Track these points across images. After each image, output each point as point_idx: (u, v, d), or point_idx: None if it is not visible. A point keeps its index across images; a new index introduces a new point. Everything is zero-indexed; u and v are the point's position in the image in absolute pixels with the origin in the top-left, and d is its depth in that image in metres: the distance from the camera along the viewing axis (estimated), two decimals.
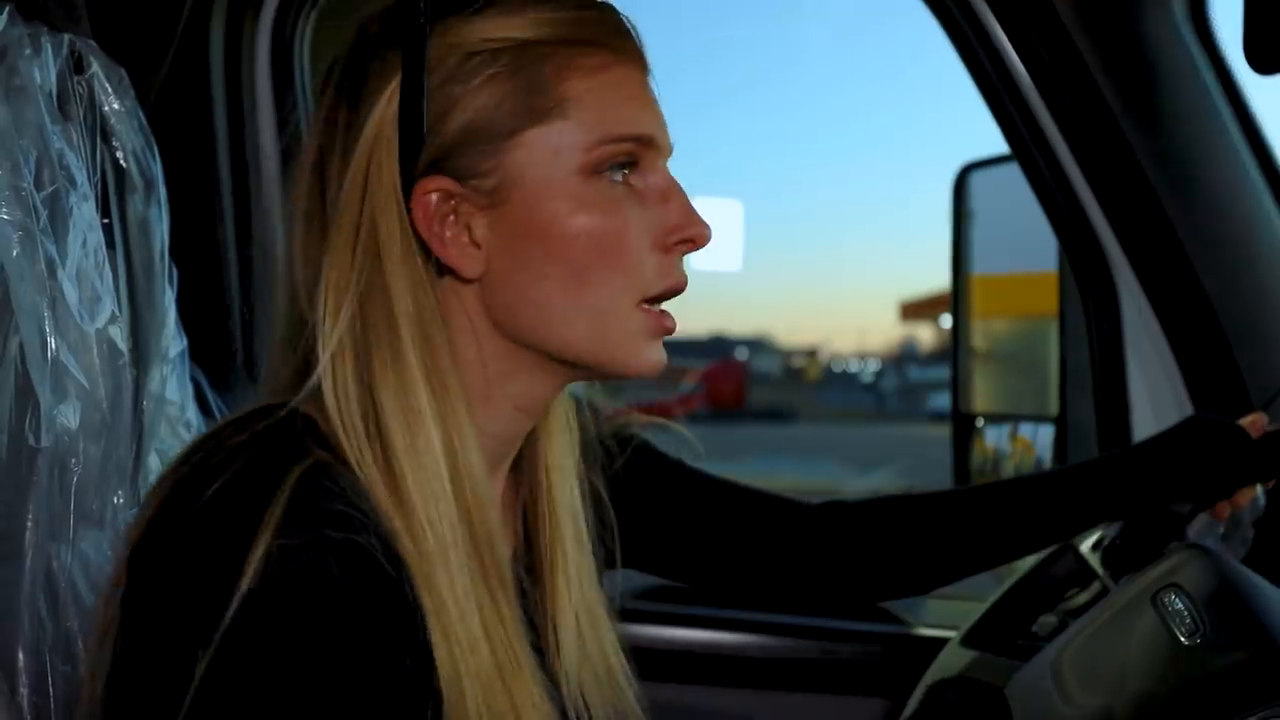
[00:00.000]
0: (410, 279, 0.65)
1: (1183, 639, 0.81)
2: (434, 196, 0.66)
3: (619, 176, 0.68)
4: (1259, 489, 1.01)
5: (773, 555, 0.96)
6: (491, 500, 0.67)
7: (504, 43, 0.65)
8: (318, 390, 0.65)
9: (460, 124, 0.65)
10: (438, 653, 0.62)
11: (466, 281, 0.67)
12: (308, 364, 0.67)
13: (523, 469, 0.78)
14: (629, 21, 0.69)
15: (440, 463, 0.64)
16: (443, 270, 0.67)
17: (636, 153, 0.68)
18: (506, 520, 0.77)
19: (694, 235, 0.69)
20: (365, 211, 0.65)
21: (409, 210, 0.65)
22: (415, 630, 0.61)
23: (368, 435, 0.64)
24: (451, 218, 0.66)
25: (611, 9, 0.69)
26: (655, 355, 0.69)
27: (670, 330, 0.69)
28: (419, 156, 0.65)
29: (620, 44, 0.68)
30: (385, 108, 0.65)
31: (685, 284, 0.70)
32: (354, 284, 0.65)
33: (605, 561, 0.83)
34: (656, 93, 0.71)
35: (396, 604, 0.61)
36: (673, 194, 0.69)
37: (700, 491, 0.94)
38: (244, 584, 0.56)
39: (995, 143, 1.33)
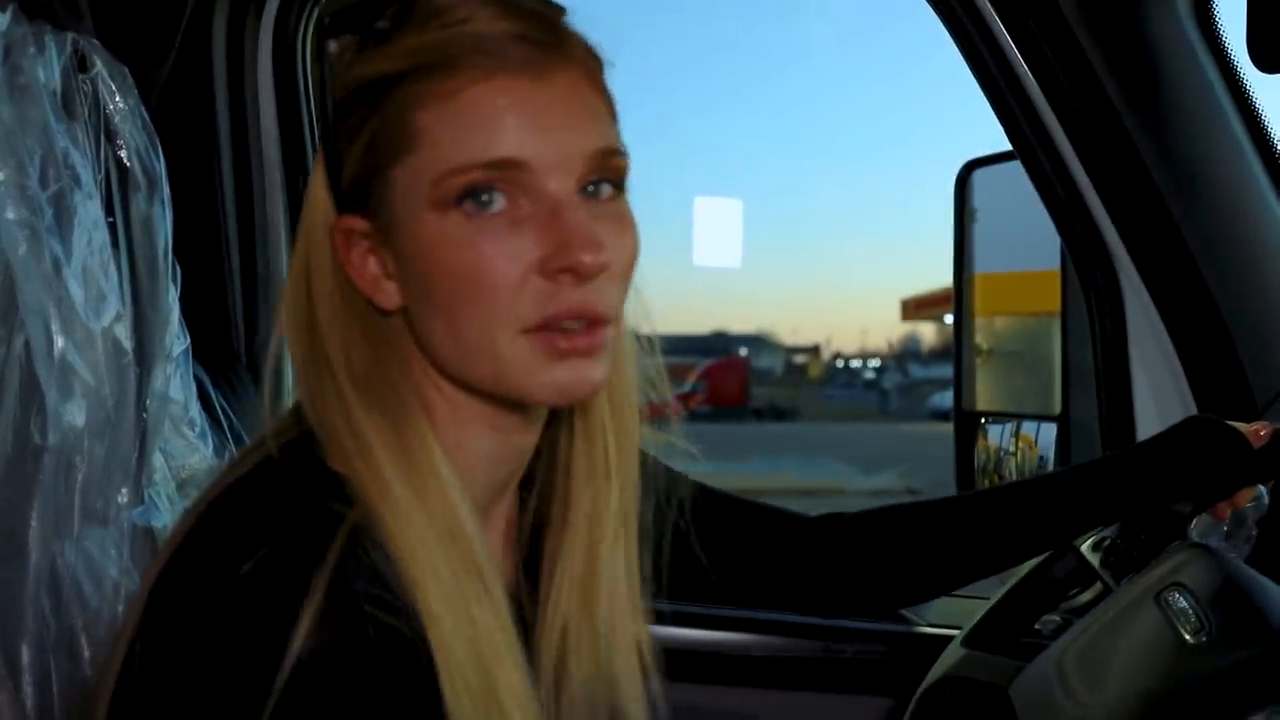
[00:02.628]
0: (350, 311, 0.68)
1: (1187, 637, 0.81)
2: (343, 235, 0.68)
3: (481, 206, 0.64)
4: (1261, 489, 1.00)
5: (772, 567, 0.96)
6: (473, 520, 0.68)
7: (372, 78, 0.65)
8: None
9: (350, 163, 0.67)
10: (432, 637, 0.63)
11: (398, 315, 0.69)
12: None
13: (537, 480, 0.78)
14: (524, 30, 0.64)
15: (412, 490, 0.66)
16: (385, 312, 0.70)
17: (493, 179, 0.63)
18: (513, 528, 0.78)
19: (570, 264, 0.63)
20: (310, 247, 0.69)
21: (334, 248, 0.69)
22: (435, 690, 0.63)
23: (352, 442, 0.66)
24: (370, 254, 0.68)
25: (496, 19, 0.64)
26: (556, 377, 0.65)
27: (563, 351, 0.65)
28: (338, 196, 0.68)
29: (486, 61, 0.64)
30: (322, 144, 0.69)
31: (581, 309, 0.64)
32: (306, 317, 0.68)
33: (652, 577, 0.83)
34: (592, 99, 0.67)
35: (420, 670, 0.63)
36: (555, 218, 0.64)
37: (698, 503, 0.94)
38: (292, 653, 0.57)
39: (997, 140, 1.33)
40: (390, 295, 0.68)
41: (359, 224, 0.67)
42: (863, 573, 0.97)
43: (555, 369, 0.65)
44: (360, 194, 0.67)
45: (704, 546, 0.88)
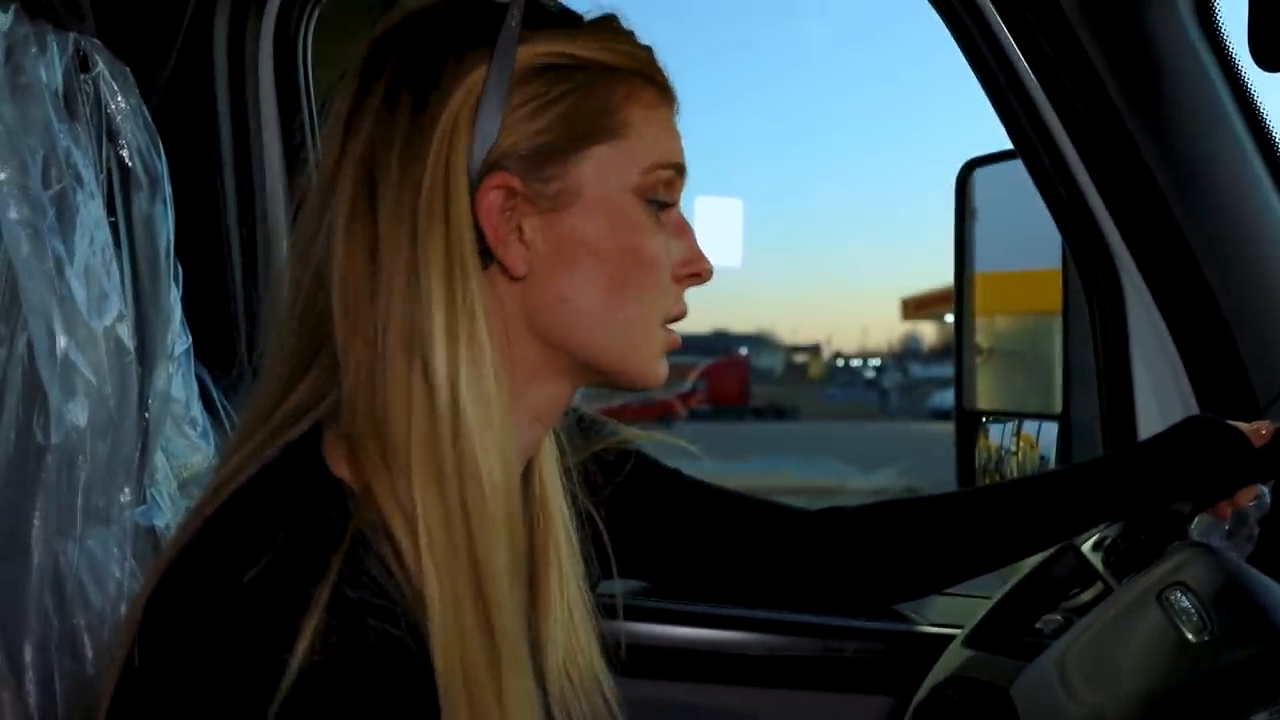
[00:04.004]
0: (466, 275, 0.66)
1: (1189, 636, 0.81)
2: (499, 193, 0.68)
3: (665, 206, 0.73)
4: (1263, 488, 1.00)
5: (771, 562, 0.96)
6: (519, 493, 0.69)
7: (579, 61, 0.70)
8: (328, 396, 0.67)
9: (534, 129, 0.68)
10: (435, 644, 0.63)
11: (510, 280, 0.69)
12: (313, 362, 0.68)
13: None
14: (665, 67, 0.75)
15: (500, 442, 0.66)
16: (487, 266, 0.69)
17: (675, 182, 0.73)
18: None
19: (702, 270, 0.75)
20: (440, 202, 0.66)
21: (474, 204, 0.67)
22: (437, 701, 0.63)
23: (429, 419, 0.64)
24: (509, 214, 0.68)
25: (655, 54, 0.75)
26: (665, 370, 0.74)
27: (678, 344, 0.75)
28: (489, 153, 0.67)
29: (666, 84, 0.74)
30: (460, 103, 0.67)
31: (686, 313, 0.75)
32: (438, 276, 0.65)
33: (601, 571, 0.84)
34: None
35: (421, 684, 0.62)
36: (686, 231, 0.75)
37: (698, 500, 0.94)
38: (294, 664, 0.57)
39: (997, 140, 1.33)
40: (522, 260, 0.69)
41: (517, 184, 0.68)
42: (861, 567, 0.97)
43: (665, 363, 0.75)
44: (532, 159, 0.68)
45: (637, 516, 0.90)
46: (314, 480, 0.65)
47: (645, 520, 0.92)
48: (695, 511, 0.94)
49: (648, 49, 0.74)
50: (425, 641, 0.62)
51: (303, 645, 0.57)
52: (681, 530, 0.94)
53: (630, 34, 0.73)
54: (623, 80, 0.71)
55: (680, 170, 0.73)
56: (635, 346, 0.72)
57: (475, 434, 0.64)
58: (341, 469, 0.66)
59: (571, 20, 0.72)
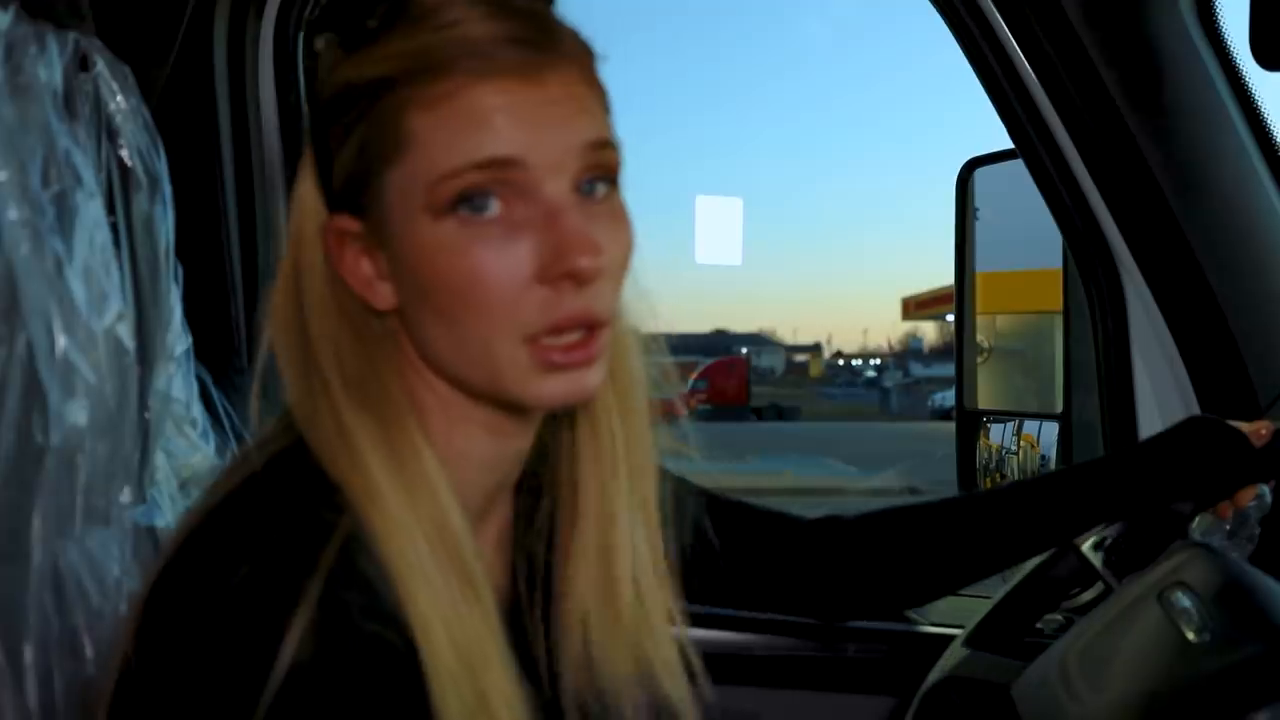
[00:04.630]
0: (343, 313, 0.67)
1: (1190, 636, 0.81)
2: (336, 237, 0.67)
3: (476, 211, 0.63)
4: (1263, 488, 1.00)
5: (772, 570, 0.95)
6: (463, 524, 0.67)
7: (362, 82, 0.64)
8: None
9: (342, 164, 0.66)
10: (420, 642, 0.63)
11: (392, 315, 0.68)
12: None
13: (543, 487, 0.78)
14: (515, 31, 0.63)
15: (406, 494, 0.65)
16: (382, 314, 0.69)
17: (490, 181, 0.63)
18: (503, 536, 0.77)
19: (570, 269, 0.63)
20: (299, 248, 0.68)
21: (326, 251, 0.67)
22: (425, 698, 0.63)
23: (341, 443, 0.65)
24: (363, 254, 0.67)
25: (486, 21, 0.63)
26: (553, 388, 0.65)
27: (558, 365, 0.65)
28: (330, 195, 0.67)
29: (478, 65, 0.63)
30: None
31: (583, 315, 0.64)
32: (296, 318, 0.68)
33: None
34: (586, 100, 0.66)
35: (410, 679, 0.62)
36: (552, 222, 0.63)
37: (712, 506, 0.93)
38: (282, 663, 0.57)
39: (997, 140, 1.33)
40: (384, 296, 0.67)
41: (351, 224, 0.67)
42: (863, 576, 0.96)
43: (552, 380, 0.65)
44: (353, 195, 0.66)
45: (720, 549, 0.88)
46: (304, 480, 0.65)
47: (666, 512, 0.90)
48: (712, 514, 0.93)
49: (455, 28, 0.63)
50: (413, 639, 0.62)
51: (291, 643, 0.57)
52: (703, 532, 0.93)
53: (426, 18, 0.63)
54: (403, 88, 0.63)
55: (500, 163, 0.62)
56: (492, 370, 0.65)
57: (384, 491, 0.64)
58: (328, 468, 0.66)
59: (364, 33, 0.64)
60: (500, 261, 0.63)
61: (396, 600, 0.62)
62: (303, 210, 0.69)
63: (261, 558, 0.60)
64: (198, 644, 0.59)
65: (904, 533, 0.96)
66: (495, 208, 0.63)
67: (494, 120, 0.63)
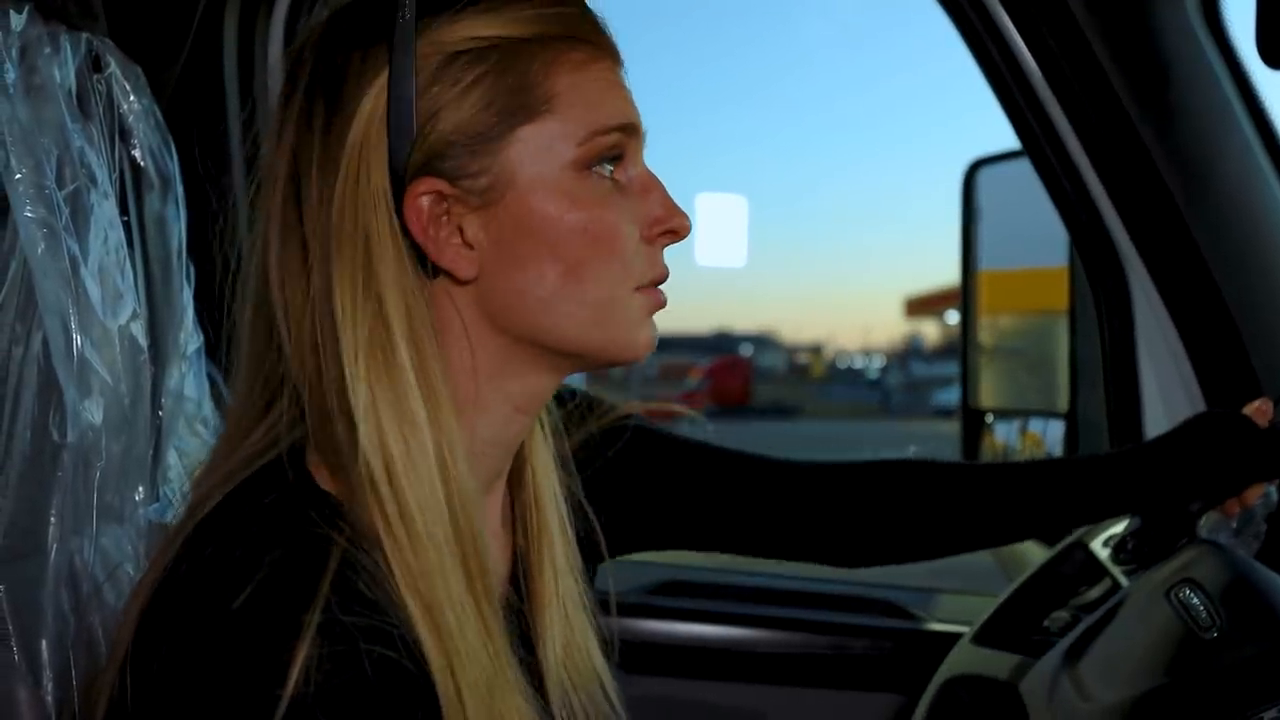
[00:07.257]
0: (404, 286, 0.64)
1: (1199, 633, 0.81)
2: (426, 199, 0.64)
3: (607, 171, 0.68)
4: (1270, 486, 1.01)
5: (775, 518, 0.94)
6: (479, 509, 0.66)
7: (490, 41, 0.65)
8: (298, 418, 0.65)
9: (450, 124, 0.64)
10: (433, 665, 0.62)
11: (460, 284, 0.67)
12: (280, 388, 0.66)
13: (514, 476, 0.78)
14: (602, 17, 0.70)
15: (434, 471, 0.63)
16: (435, 274, 0.66)
17: (622, 143, 0.68)
18: (504, 533, 0.77)
19: (675, 226, 0.70)
20: (355, 218, 0.63)
21: (400, 215, 0.64)
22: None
23: (358, 453, 0.63)
24: (444, 219, 0.65)
25: (586, 6, 0.70)
26: (650, 333, 0.71)
27: (663, 304, 0.71)
28: (409, 158, 0.64)
29: (599, 39, 0.69)
30: (371, 108, 0.63)
31: (668, 274, 0.71)
32: (350, 297, 0.63)
33: (593, 560, 0.83)
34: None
35: (419, 702, 0.61)
36: (653, 187, 0.70)
37: (699, 461, 0.93)
38: (286, 694, 0.55)
39: (999, 140, 1.34)
40: (469, 262, 0.66)
41: (444, 186, 0.65)
42: (865, 524, 0.94)
43: (649, 325, 0.71)
44: (454, 156, 0.64)
45: (641, 484, 0.88)
46: (300, 494, 0.63)
47: (645, 485, 0.90)
48: (697, 472, 0.92)
49: (573, 6, 0.68)
50: (421, 659, 0.61)
51: (295, 674, 0.55)
52: (684, 491, 0.92)
53: None
54: (541, 50, 0.66)
55: (629, 129, 0.68)
56: (605, 323, 0.68)
57: (402, 473, 0.62)
58: (326, 482, 0.64)
59: None
60: (626, 214, 0.68)
61: (403, 620, 0.61)
62: (366, 186, 0.64)
63: (262, 581, 0.58)
64: (199, 673, 0.57)
65: (911, 485, 0.95)
66: (609, 170, 0.68)
67: (620, 92, 0.69)
